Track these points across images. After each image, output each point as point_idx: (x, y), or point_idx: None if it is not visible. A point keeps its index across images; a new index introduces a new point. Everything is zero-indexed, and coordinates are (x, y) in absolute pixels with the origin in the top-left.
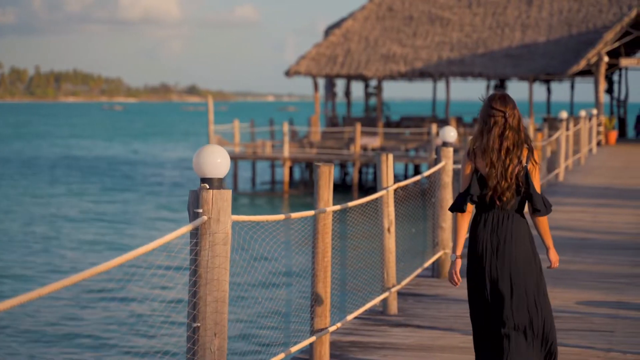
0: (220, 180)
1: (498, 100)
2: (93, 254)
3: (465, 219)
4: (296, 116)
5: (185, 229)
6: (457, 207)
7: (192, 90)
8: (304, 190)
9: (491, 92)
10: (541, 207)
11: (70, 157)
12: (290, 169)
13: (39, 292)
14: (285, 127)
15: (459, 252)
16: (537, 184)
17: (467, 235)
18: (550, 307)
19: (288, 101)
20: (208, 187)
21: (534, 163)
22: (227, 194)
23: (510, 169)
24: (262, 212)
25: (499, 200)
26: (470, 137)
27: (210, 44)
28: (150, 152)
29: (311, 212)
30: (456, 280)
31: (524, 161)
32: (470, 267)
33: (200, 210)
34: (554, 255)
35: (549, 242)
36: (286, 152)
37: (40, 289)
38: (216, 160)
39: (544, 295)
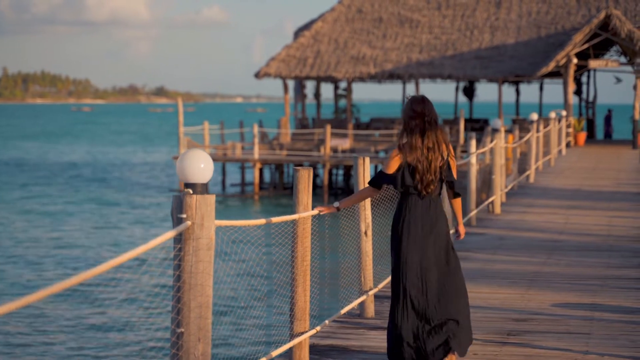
0: (204, 185)
1: (418, 102)
2: (73, 261)
3: (370, 193)
4: (265, 118)
5: (170, 234)
6: (377, 184)
7: (160, 92)
8: (273, 192)
9: (451, 93)
10: (460, 191)
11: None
12: (260, 170)
13: (27, 300)
14: (256, 129)
15: (342, 205)
16: (454, 172)
17: (395, 217)
18: (462, 276)
19: (256, 102)
20: (192, 192)
21: (452, 156)
22: (211, 199)
23: (433, 164)
24: (235, 214)
25: (425, 190)
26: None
27: (178, 45)
28: (118, 154)
29: (293, 216)
30: (323, 210)
31: (444, 155)
32: (401, 244)
33: (184, 216)
34: (463, 228)
35: (460, 218)
36: (256, 154)
37: (27, 296)
38: (200, 166)
39: (455, 264)
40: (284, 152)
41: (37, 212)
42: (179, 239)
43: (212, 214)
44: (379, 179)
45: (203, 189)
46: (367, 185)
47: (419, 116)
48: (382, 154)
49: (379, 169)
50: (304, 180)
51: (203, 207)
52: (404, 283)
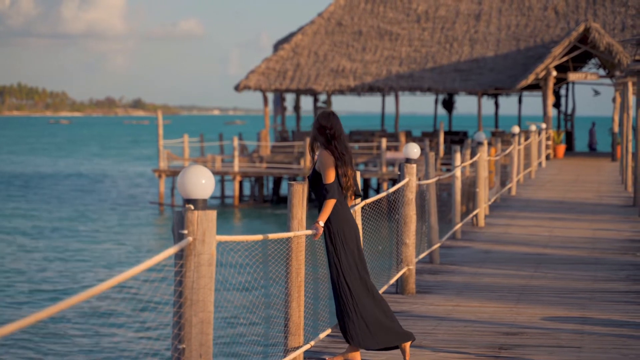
0: (205, 201)
1: (324, 117)
2: (70, 282)
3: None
4: (243, 130)
5: (171, 250)
6: (336, 195)
7: (137, 104)
8: (253, 204)
9: (431, 105)
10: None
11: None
12: (240, 183)
13: (35, 317)
14: (235, 142)
15: (324, 220)
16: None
17: (338, 214)
18: None
19: (234, 115)
20: (193, 208)
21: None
22: (212, 214)
23: (349, 172)
24: (225, 228)
25: (346, 193)
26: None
27: (155, 57)
28: (89, 166)
29: (289, 234)
30: (317, 234)
31: (353, 166)
32: (348, 236)
33: (185, 232)
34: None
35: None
36: (236, 166)
37: (36, 313)
38: (201, 181)
39: None
40: (264, 164)
41: (19, 229)
42: (180, 255)
43: (214, 229)
44: (336, 191)
45: (204, 204)
46: (329, 200)
47: (322, 129)
48: (361, 167)
49: (324, 182)
50: (299, 194)
51: (204, 222)
52: (361, 273)
